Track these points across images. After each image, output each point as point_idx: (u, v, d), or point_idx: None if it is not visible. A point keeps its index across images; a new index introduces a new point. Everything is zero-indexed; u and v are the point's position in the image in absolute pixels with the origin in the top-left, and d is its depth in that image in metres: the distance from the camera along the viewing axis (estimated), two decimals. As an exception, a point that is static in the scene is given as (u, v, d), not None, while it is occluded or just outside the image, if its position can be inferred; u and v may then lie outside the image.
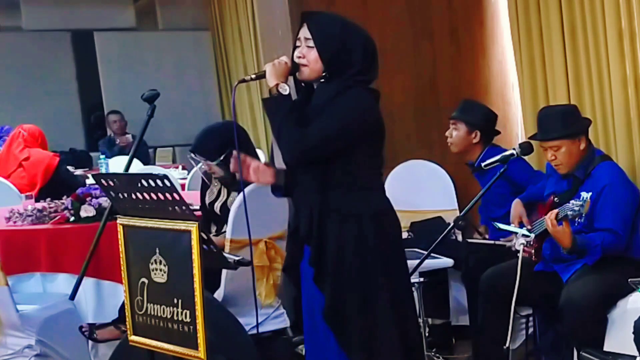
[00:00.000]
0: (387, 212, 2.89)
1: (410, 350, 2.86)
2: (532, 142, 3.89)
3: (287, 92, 2.78)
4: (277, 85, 2.78)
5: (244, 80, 2.93)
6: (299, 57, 2.83)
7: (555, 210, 3.43)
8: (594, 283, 3.45)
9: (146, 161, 7.90)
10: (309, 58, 2.81)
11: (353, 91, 2.78)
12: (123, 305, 3.67)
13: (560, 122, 3.66)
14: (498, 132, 4.56)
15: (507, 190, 4.20)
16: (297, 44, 2.86)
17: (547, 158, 3.74)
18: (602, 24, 4.12)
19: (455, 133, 4.43)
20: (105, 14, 9.03)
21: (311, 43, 2.80)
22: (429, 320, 4.52)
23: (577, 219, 3.54)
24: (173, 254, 2.59)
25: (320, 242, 2.81)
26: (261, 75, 2.86)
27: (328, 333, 2.84)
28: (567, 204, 3.38)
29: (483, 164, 3.85)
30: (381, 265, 2.80)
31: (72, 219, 4.10)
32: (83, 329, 3.79)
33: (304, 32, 2.83)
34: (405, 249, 4.57)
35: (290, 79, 2.88)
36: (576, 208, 3.32)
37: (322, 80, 2.83)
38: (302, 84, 2.90)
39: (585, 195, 3.54)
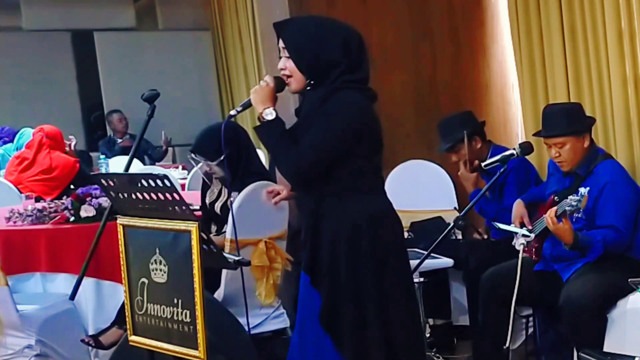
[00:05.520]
0: (384, 215, 2.83)
1: (401, 357, 2.82)
2: (533, 142, 3.90)
3: (273, 117, 2.74)
4: (263, 111, 2.74)
5: (231, 116, 2.90)
6: (282, 70, 2.78)
7: (554, 208, 3.43)
8: (593, 283, 3.45)
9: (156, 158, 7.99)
10: (290, 68, 2.76)
11: (340, 95, 2.70)
12: (122, 306, 3.68)
13: (565, 119, 3.67)
14: (483, 122, 4.57)
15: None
16: (280, 54, 2.80)
17: (550, 155, 3.75)
18: (602, 24, 4.13)
19: (462, 153, 4.40)
20: (105, 14, 9.03)
21: (287, 53, 2.75)
22: (430, 320, 4.52)
23: (575, 215, 3.55)
24: (173, 254, 2.59)
25: (315, 247, 2.79)
26: (247, 105, 2.84)
27: (324, 336, 2.81)
28: (565, 200, 3.38)
29: (483, 164, 3.85)
30: (373, 270, 2.75)
31: (72, 219, 4.11)
32: (87, 341, 3.77)
33: (281, 43, 2.78)
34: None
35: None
36: (574, 203, 3.32)
37: (309, 88, 2.77)
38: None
39: (583, 190, 3.55)
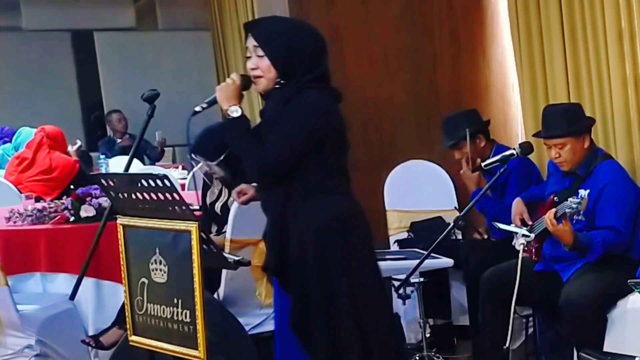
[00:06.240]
0: (352, 216, 2.80)
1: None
2: (533, 141, 3.90)
3: (238, 114, 2.74)
4: (228, 108, 2.74)
5: (195, 112, 2.86)
6: (253, 69, 2.78)
7: (554, 210, 3.43)
8: (593, 283, 3.45)
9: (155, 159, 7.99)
10: (262, 67, 2.75)
11: (305, 94, 2.70)
12: (122, 306, 3.68)
13: (565, 119, 3.67)
14: (488, 122, 4.59)
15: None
16: (248, 54, 2.80)
17: (550, 156, 3.75)
18: (602, 24, 4.12)
19: (464, 151, 4.40)
20: (105, 14, 9.03)
21: (260, 52, 2.75)
22: (430, 320, 4.52)
23: (575, 217, 3.55)
24: (173, 254, 2.59)
25: (282, 249, 2.76)
26: (213, 101, 2.83)
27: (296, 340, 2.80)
28: (565, 202, 3.39)
29: (483, 164, 3.85)
30: (344, 273, 2.72)
31: (72, 219, 4.11)
32: (87, 342, 3.77)
33: (251, 42, 2.77)
34: (405, 249, 4.62)
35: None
36: (574, 205, 3.33)
37: (277, 86, 2.76)
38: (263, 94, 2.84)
39: (583, 192, 3.55)
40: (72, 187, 5.36)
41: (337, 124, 2.78)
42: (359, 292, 2.76)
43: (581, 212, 3.45)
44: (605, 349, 3.33)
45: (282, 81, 2.75)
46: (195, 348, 2.55)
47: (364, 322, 2.76)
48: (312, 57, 2.75)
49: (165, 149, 8.46)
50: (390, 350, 2.85)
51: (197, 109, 2.86)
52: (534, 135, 3.90)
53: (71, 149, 6.05)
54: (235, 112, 2.74)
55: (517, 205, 3.98)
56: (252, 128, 2.78)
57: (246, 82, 2.80)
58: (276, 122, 2.71)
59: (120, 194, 2.74)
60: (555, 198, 3.68)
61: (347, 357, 2.73)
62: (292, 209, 2.74)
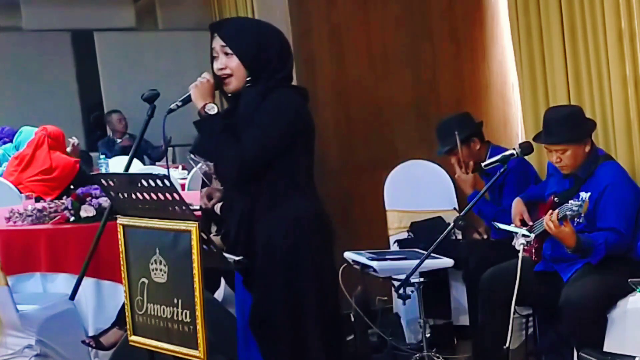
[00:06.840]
0: (320, 217, 2.82)
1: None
2: (533, 142, 3.89)
3: (215, 111, 2.76)
4: (204, 106, 2.76)
5: (171, 110, 2.86)
6: (221, 69, 2.79)
7: (555, 211, 3.43)
8: (593, 283, 3.45)
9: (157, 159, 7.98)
10: (231, 66, 2.78)
11: (278, 92, 2.74)
12: (122, 307, 3.68)
13: (566, 125, 3.66)
14: (481, 123, 4.60)
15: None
16: (214, 54, 2.83)
17: (551, 160, 3.75)
18: (602, 24, 4.12)
19: (461, 155, 4.40)
20: (105, 14, 9.04)
21: (229, 51, 2.78)
22: (430, 320, 4.52)
23: (576, 219, 3.54)
24: (173, 254, 2.60)
25: (249, 250, 2.76)
26: (187, 100, 2.84)
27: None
28: (566, 204, 3.39)
29: (483, 165, 3.85)
30: (313, 272, 2.74)
31: (72, 219, 4.11)
32: (87, 342, 3.77)
33: (218, 42, 2.81)
34: (405, 249, 4.61)
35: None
36: (575, 208, 3.33)
37: (248, 85, 2.78)
38: (230, 95, 2.85)
39: (584, 195, 3.55)
40: (72, 187, 5.36)
41: (308, 123, 2.82)
42: (325, 292, 2.78)
43: (582, 215, 3.45)
44: (605, 349, 3.33)
45: (251, 79, 2.77)
46: (195, 348, 2.55)
47: (330, 324, 2.78)
48: (280, 56, 2.79)
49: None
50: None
51: (173, 106, 2.88)
52: (534, 140, 3.89)
53: (68, 149, 6.05)
54: (212, 109, 2.76)
55: (517, 205, 3.98)
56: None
57: (216, 82, 2.82)
58: (252, 119, 2.72)
59: (120, 194, 2.74)
60: (556, 199, 3.68)
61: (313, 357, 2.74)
62: (261, 208, 2.75)
